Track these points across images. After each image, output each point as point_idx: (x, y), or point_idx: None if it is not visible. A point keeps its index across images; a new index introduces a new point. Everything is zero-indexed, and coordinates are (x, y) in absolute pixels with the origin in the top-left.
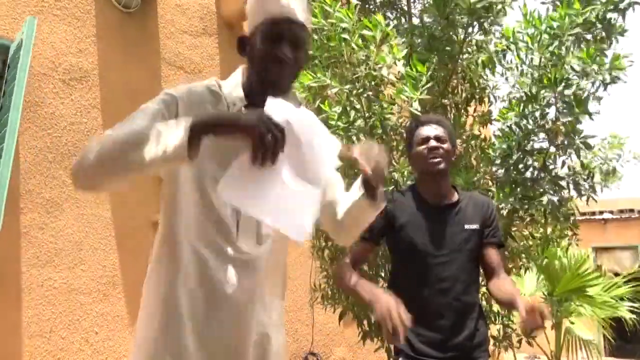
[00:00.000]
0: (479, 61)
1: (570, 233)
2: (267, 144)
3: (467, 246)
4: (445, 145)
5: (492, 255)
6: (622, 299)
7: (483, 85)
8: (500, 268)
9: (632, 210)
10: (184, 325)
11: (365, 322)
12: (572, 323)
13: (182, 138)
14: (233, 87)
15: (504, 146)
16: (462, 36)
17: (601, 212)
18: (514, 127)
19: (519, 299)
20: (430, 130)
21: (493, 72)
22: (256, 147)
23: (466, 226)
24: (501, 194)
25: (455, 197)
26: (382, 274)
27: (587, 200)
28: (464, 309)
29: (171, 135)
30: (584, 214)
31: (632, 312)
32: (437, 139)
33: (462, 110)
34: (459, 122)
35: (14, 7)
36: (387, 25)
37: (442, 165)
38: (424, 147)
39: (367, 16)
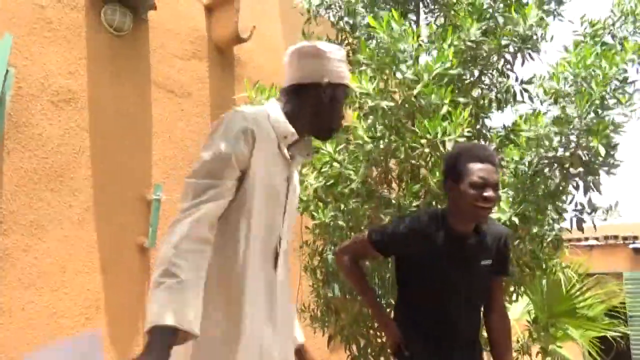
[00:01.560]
0: (492, 98)
1: (557, 263)
2: None
3: (482, 282)
4: (497, 194)
5: (499, 290)
6: (609, 316)
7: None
8: (503, 307)
9: (616, 237)
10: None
11: (354, 346)
12: (560, 347)
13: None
14: (280, 119)
15: (517, 157)
16: (477, 71)
17: (587, 239)
18: (530, 141)
19: None
20: (489, 173)
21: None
22: None
23: (483, 262)
24: (505, 207)
25: (475, 228)
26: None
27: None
28: (474, 340)
29: (155, 313)
30: (570, 240)
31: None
32: (495, 187)
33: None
34: None
35: (4, 28)
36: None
37: (488, 216)
38: (478, 192)
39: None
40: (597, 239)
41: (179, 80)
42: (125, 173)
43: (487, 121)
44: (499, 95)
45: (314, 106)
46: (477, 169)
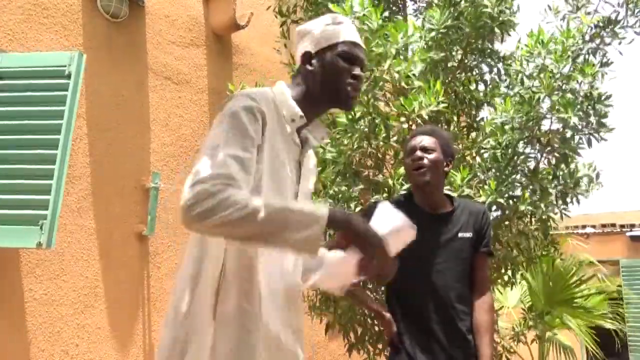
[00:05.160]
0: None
1: (551, 247)
2: (375, 270)
3: (461, 255)
4: (432, 156)
5: (480, 267)
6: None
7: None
8: (483, 285)
9: (614, 225)
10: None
11: (351, 334)
12: (555, 334)
13: (317, 244)
14: (286, 101)
15: (494, 143)
16: (459, 56)
17: (584, 227)
18: (506, 127)
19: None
20: (417, 140)
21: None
22: (365, 267)
23: (460, 234)
24: (488, 190)
25: (450, 205)
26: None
27: (562, 217)
28: (457, 317)
29: (307, 233)
30: (567, 227)
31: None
32: (423, 149)
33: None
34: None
35: (0, 14)
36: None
37: (426, 177)
38: (409, 158)
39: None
40: (594, 226)
41: (176, 67)
42: (123, 161)
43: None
44: (485, 77)
45: (308, 84)
46: (411, 141)
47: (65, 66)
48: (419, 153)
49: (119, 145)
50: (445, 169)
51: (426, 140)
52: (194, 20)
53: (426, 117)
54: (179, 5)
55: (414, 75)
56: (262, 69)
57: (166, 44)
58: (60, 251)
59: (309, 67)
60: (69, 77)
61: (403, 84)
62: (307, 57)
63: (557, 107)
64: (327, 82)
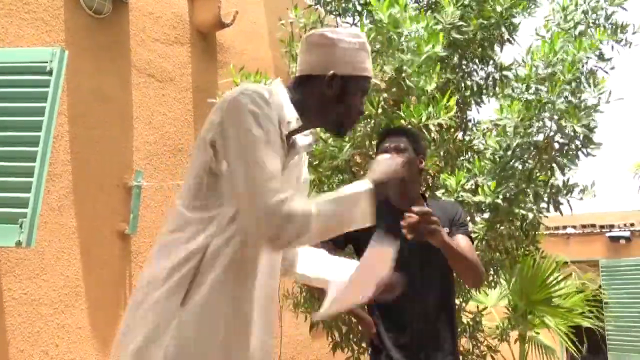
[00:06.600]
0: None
1: (533, 248)
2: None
3: (440, 252)
4: (405, 155)
5: (461, 241)
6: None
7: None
8: (469, 253)
9: (594, 226)
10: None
11: (336, 332)
12: (537, 333)
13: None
14: (283, 102)
15: (496, 146)
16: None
17: (565, 227)
18: (508, 128)
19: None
20: (389, 141)
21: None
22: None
23: None
24: (487, 191)
25: (424, 204)
26: None
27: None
28: (437, 314)
29: (362, 213)
30: (548, 228)
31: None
32: (396, 150)
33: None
34: (445, 139)
35: None
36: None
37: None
38: None
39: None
40: (574, 227)
41: (160, 65)
42: (105, 159)
43: (469, 113)
44: (480, 82)
45: (317, 100)
46: (383, 143)
47: (46, 62)
48: (393, 154)
49: (101, 143)
50: (420, 165)
51: (398, 141)
52: (179, 18)
53: (432, 128)
54: (164, 3)
55: (418, 71)
56: (247, 67)
57: (150, 41)
58: (41, 250)
59: (329, 88)
60: (50, 73)
61: (406, 80)
62: (331, 77)
63: (560, 114)
64: (339, 108)
